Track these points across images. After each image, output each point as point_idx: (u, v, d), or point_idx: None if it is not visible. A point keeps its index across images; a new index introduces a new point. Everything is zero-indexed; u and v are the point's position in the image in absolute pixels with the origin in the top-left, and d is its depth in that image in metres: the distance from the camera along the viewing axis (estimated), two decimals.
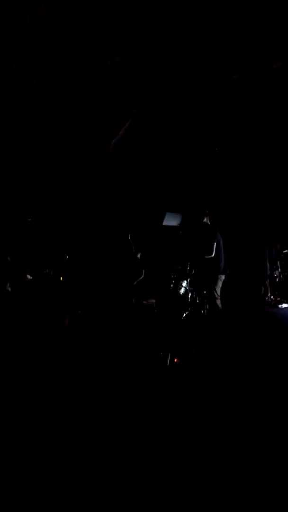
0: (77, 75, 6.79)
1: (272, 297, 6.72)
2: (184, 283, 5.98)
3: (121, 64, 6.74)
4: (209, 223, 6.33)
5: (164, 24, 6.40)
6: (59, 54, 6.66)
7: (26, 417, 2.95)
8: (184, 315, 5.67)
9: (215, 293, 5.97)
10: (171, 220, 6.74)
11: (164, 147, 7.14)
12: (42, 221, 6.21)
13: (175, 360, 4.38)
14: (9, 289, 4.91)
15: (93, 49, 6.62)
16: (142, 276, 6.12)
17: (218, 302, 5.97)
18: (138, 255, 6.32)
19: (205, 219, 6.32)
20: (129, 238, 6.20)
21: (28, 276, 5.08)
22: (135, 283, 6.02)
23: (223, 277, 6.11)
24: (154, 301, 6.00)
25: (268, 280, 6.79)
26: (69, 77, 6.79)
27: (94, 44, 6.58)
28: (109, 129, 6.96)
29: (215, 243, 5.99)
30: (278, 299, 6.70)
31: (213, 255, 5.95)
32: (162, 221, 6.71)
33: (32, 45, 6.60)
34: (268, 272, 6.82)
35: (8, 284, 4.94)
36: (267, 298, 6.72)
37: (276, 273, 6.76)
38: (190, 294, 5.91)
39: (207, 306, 5.94)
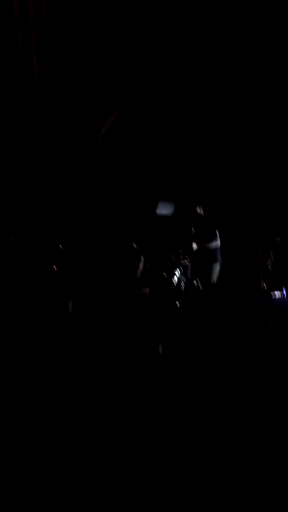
0: (66, 60, 6.67)
1: (265, 285, 6.75)
2: (177, 272, 5.97)
3: (111, 49, 6.64)
4: (202, 213, 6.33)
5: (156, 9, 6.32)
6: (48, 39, 6.54)
7: (26, 412, 2.94)
8: (178, 304, 5.68)
9: (212, 282, 6.04)
10: (164, 209, 6.71)
11: (156, 135, 7.08)
12: (35, 211, 6.12)
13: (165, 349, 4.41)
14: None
15: (82, 34, 6.51)
16: (142, 264, 6.09)
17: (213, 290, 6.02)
18: (134, 245, 6.28)
19: (198, 210, 6.33)
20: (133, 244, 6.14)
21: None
22: (139, 274, 5.98)
23: (218, 266, 6.18)
24: (148, 290, 5.98)
25: (261, 269, 6.81)
26: (58, 62, 6.68)
27: (82, 29, 6.47)
28: (100, 116, 6.87)
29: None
30: (271, 287, 6.74)
31: (218, 243, 6.06)
32: (155, 209, 6.68)
33: (20, 30, 6.46)
34: (261, 261, 6.84)
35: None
36: (259, 286, 6.75)
37: (269, 262, 6.78)
38: (183, 283, 5.91)
39: (202, 295, 5.96)
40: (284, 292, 6.49)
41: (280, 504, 1.91)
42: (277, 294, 6.58)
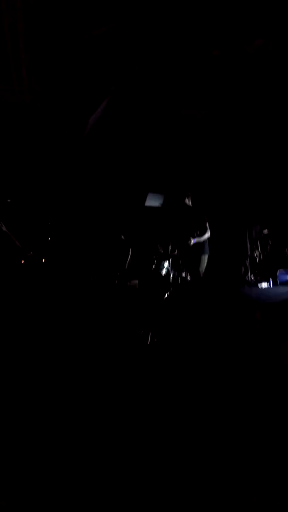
0: (54, 50, 6.59)
1: (252, 276, 6.85)
2: (166, 264, 6.02)
3: (101, 38, 6.56)
4: (190, 204, 6.35)
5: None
6: (35, 27, 6.45)
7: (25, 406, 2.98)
8: (166, 295, 5.74)
9: (200, 273, 6.10)
10: (153, 201, 6.72)
11: (144, 125, 7.05)
12: (23, 201, 6.11)
13: (155, 339, 4.48)
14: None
15: (71, 22, 6.42)
16: (130, 255, 6.14)
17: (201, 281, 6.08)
18: (122, 237, 6.32)
19: (186, 200, 6.34)
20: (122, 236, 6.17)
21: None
22: (127, 265, 6.04)
23: (206, 257, 6.23)
24: (137, 281, 6.04)
25: (248, 260, 6.90)
26: (46, 51, 6.59)
27: (72, 16, 6.37)
28: (88, 106, 6.82)
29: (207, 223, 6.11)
30: (258, 278, 6.84)
31: (209, 235, 6.10)
32: (143, 201, 6.69)
33: (6, 18, 6.36)
34: (248, 252, 6.93)
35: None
36: (247, 277, 6.84)
37: (256, 253, 6.87)
38: (172, 275, 5.97)
39: (189, 285, 6.02)
40: (271, 283, 6.60)
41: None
42: (264, 285, 6.69)
